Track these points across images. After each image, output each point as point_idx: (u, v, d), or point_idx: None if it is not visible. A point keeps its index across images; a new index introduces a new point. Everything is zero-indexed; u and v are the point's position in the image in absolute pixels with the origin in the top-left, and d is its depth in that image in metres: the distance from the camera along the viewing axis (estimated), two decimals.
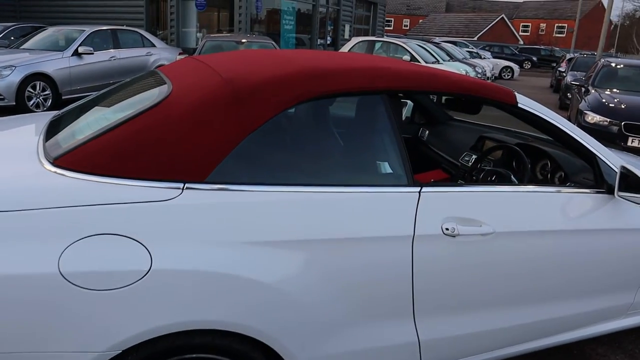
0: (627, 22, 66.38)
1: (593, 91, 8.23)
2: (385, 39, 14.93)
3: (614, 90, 8.33)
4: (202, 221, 1.63)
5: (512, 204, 2.11)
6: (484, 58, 23.69)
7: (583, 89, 8.74)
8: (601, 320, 2.62)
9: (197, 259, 1.59)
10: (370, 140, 2.01)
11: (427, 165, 3.54)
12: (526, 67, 34.01)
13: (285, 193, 1.75)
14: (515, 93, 2.24)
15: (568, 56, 20.23)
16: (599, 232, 2.33)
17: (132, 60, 10.52)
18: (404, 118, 3.78)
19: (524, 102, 2.25)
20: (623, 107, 7.40)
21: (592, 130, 7.28)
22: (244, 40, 10.70)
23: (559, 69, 18.15)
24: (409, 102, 3.75)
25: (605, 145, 7.08)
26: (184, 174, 1.66)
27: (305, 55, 2.19)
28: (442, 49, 17.06)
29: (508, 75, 24.10)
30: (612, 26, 56.50)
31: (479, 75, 16.60)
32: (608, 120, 7.19)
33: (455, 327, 2.07)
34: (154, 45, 11.29)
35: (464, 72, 14.12)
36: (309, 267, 1.73)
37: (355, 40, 13.88)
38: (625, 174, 2.26)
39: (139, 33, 11.25)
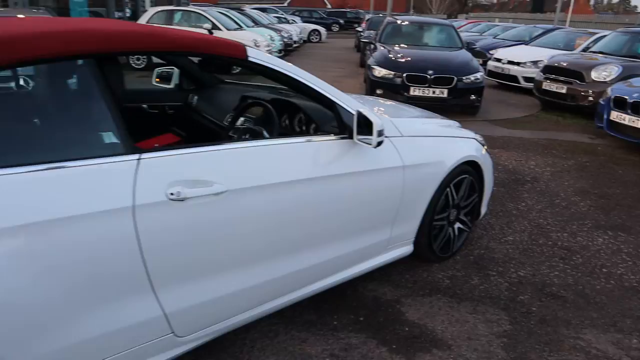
0: None
1: (380, 47, 8.77)
2: (184, 8, 14.38)
3: (400, 45, 8.95)
4: None
5: (251, 159, 2.08)
6: (293, 23, 24.14)
7: (372, 46, 9.27)
8: (365, 259, 2.78)
9: None
10: (78, 109, 1.82)
11: (196, 131, 3.44)
12: (334, 30, 35.47)
13: None
14: (246, 46, 2.20)
15: (367, 17, 21.44)
16: (346, 175, 2.43)
17: None
18: (172, 85, 3.61)
19: (256, 56, 2.21)
20: (405, 60, 8.00)
21: (381, 83, 7.78)
22: (20, 16, 9.52)
23: (358, 29, 19.17)
24: (175, 68, 3.58)
25: (392, 97, 7.57)
26: None
27: (7, 21, 1.91)
28: (247, 15, 16.98)
29: (316, 38, 24.89)
30: None
31: (285, 39, 16.88)
32: (393, 73, 7.73)
33: (203, 293, 2.01)
34: None
35: (268, 37, 14.21)
36: (13, 259, 1.53)
37: (152, 10, 13.15)
38: (361, 118, 2.36)
39: None
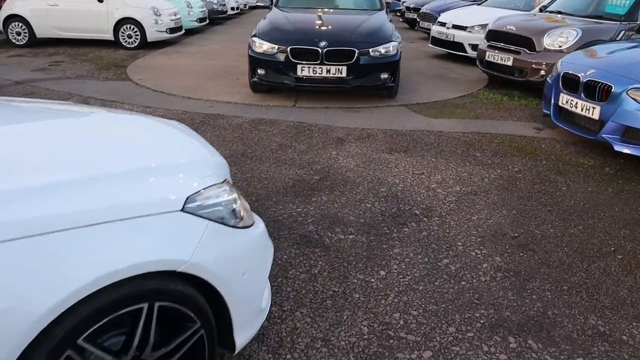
0: None
1: (274, 12, 6.75)
2: None
3: (301, 8, 6.91)
4: None
5: None
6: None
7: (269, 11, 7.26)
8: None
9: None
10: None
11: None
12: None
13: None
14: None
15: None
16: None
17: None
18: None
19: None
20: (293, 28, 6.00)
21: (261, 60, 5.82)
22: None
23: None
24: None
25: (277, 79, 5.39)
26: None
27: None
28: None
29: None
30: None
31: (215, 6, 14.72)
32: (276, 46, 5.74)
33: None
34: None
35: (183, 4, 12.09)
36: None
37: None
38: None
39: None
